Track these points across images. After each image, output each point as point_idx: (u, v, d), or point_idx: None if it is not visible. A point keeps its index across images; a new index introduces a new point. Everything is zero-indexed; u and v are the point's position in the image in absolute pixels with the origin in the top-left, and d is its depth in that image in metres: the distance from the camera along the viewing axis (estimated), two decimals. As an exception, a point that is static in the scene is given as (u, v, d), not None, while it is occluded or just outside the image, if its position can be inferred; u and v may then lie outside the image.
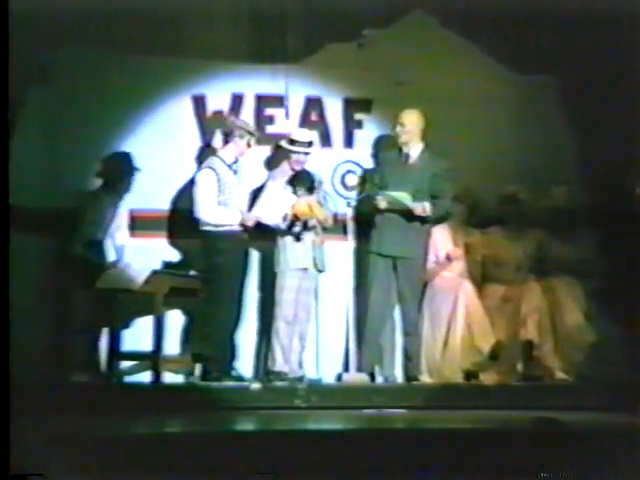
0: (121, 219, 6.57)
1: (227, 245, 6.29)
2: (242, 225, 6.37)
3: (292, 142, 6.56)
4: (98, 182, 6.56)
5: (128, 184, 6.53)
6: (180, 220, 6.67)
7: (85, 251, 6.30)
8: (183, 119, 6.92)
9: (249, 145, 6.49)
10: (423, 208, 6.46)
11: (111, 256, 6.45)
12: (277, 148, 6.82)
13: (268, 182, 6.62)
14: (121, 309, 6.30)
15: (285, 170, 6.64)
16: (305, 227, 6.42)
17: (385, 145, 6.96)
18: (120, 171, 6.52)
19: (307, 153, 6.57)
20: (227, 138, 6.48)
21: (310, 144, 6.60)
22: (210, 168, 6.36)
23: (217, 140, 6.77)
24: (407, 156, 6.63)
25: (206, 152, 6.73)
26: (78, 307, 6.29)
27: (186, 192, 6.62)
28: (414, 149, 6.64)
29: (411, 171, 6.60)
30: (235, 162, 6.47)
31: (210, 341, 6.29)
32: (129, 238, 6.62)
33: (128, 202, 6.60)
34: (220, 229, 6.30)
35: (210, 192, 6.31)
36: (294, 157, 6.56)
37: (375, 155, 7.00)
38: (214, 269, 6.29)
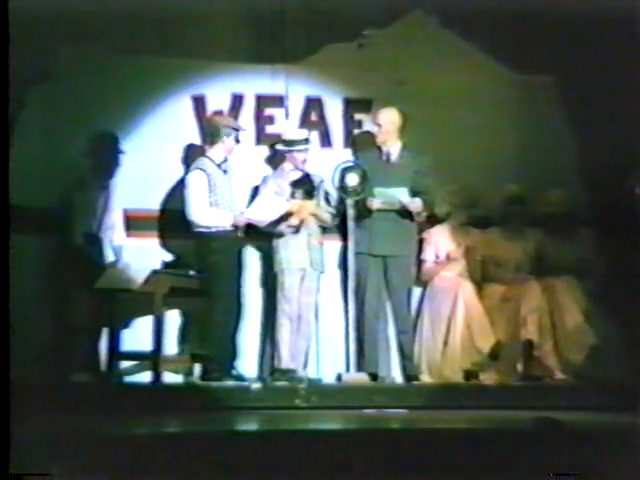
0: (116, 219, 6.53)
1: (220, 245, 6.30)
2: (234, 226, 6.37)
3: (289, 142, 6.58)
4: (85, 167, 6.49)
5: (113, 166, 6.46)
6: (173, 221, 6.67)
7: (83, 243, 6.29)
8: (183, 119, 6.91)
9: (237, 141, 6.50)
10: (416, 205, 6.50)
11: (110, 256, 6.45)
12: (274, 149, 6.83)
13: (266, 184, 6.61)
14: (121, 309, 6.29)
15: (285, 171, 6.65)
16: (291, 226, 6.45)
17: (365, 144, 6.97)
18: (104, 153, 6.46)
19: (306, 149, 6.59)
20: (214, 139, 6.47)
21: (307, 141, 6.62)
22: (200, 169, 6.35)
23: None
24: (388, 154, 6.67)
25: (194, 152, 6.73)
26: (78, 307, 6.28)
27: (177, 193, 6.63)
28: (394, 147, 6.67)
29: (393, 169, 6.64)
30: (224, 161, 6.47)
31: (209, 341, 6.30)
32: (125, 238, 6.59)
33: (124, 201, 6.59)
34: (216, 229, 6.30)
35: (201, 194, 6.31)
36: (295, 156, 6.57)
37: (356, 155, 7.00)
38: (209, 269, 6.29)
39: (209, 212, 6.32)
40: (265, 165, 6.94)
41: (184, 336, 6.67)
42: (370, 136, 6.89)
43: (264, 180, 6.69)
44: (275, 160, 6.85)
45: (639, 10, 6.18)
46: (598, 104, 6.94)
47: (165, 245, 6.74)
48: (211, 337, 6.30)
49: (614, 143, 6.82)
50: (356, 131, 7.11)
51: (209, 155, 6.46)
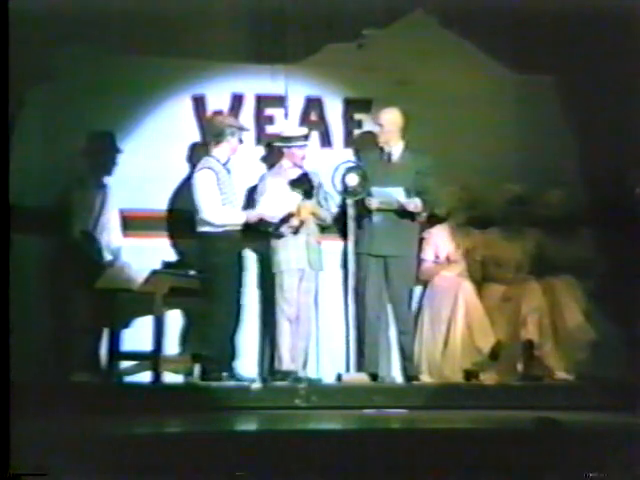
0: (112, 219, 6.51)
1: (223, 245, 6.29)
2: (245, 224, 6.37)
3: (288, 139, 6.58)
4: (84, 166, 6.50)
5: (110, 164, 6.46)
6: (173, 221, 6.67)
7: (83, 243, 6.28)
8: (183, 119, 6.91)
9: (241, 141, 6.51)
10: (415, 204, 6.49)
11: (108, 256, 6.44)
12: (272, 147, 6.83)
13: (267, 181, 6.61)
14: (121, 309, 6.29)
15: (284, 168, 6.64)
16: (291, 227, 6.45)
17: (367, 144, 6.97)
18: (101, 152, 6.46)
19: (305, 146, 6.59)
20: (219, 138, 6.47)
21: (306, 137, 6.63)
22: (208, 168, 6.35)
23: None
24: (389, 155, 6.68)
25: (198, 152, 6.73)
26: (78, 307, 6.27)
27: (182, 193, 6.63)
28: (395, 147, 6.68)
29: (394, 169, 6.64)
30: (228, 161, 6.47)
31: (209, 341, 6.30)
32: (122, 238, 6.57)
33: (123, 202, 6.57)
34: (215, 230, 6.29)
35: (213, 193, 6.30)
36: (294, 152, 6.57)
37: (357, 155, 7.00)
38: (211, 269, 6.28)
39: (222, 210, 6.31)
40: (264, 163, 6.93)
41: (184, 336, 6.67)
42: (371, 136, 6.89)
43: (262, 178, 6.68)
44: (273, 158, 6.85)
45: (639, 10, 6.19)
46: (598, 104, 6.94)
47: (166, 245, 6.74)
48: (211, 337, 6.29)
49: (614, 143, 6.83)
50: (357, 131, 7.11)
51: (214, 155, 6.45)
